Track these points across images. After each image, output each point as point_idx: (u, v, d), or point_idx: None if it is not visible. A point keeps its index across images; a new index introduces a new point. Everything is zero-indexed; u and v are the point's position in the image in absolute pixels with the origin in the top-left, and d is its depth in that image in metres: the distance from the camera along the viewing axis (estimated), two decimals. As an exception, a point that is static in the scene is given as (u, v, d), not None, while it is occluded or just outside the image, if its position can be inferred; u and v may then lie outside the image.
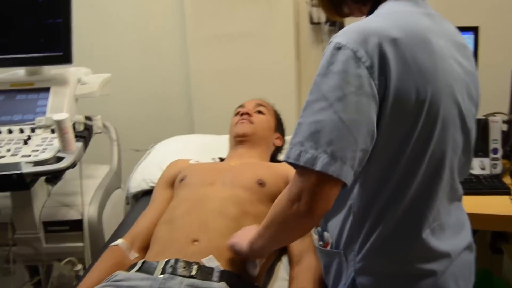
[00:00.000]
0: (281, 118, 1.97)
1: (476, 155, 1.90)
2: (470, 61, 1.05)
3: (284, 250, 1.44)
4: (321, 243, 1.12)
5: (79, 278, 1.85)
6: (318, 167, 0.83)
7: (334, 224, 1.05)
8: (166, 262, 1.21)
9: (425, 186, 0.94)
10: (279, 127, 1.93)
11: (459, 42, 1.04)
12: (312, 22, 2.33)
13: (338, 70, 0.86)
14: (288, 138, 2.03)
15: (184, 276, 1.17)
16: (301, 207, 0.88)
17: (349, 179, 0.85)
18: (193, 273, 1.18)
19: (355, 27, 0.90)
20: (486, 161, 1.90)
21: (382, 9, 0.99)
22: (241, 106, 1.91)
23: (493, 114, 1.93)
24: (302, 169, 0.87)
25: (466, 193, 1.74)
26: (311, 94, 0.89)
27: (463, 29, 1.92)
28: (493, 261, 2.15)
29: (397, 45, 0.88)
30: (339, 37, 0.89)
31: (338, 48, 0.87)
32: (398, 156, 0.91)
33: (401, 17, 0.96)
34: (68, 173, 2.11)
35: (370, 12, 1.02)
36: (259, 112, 1.85)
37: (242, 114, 1.82)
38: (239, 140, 1.78)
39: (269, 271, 1.40)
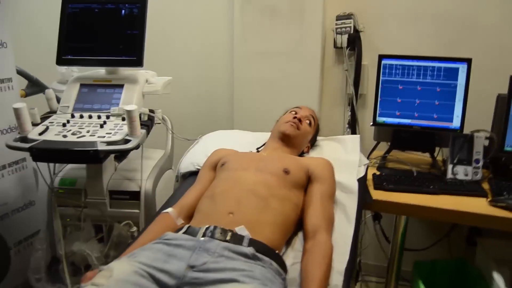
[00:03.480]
0: (318, 132, 1.95)
1: (461, 163, 1.89)
2: None
3: (300, 226, 1.44)
4: None
5: (134, 238, 1.89)
6: None
7: None
8: (207, 228, 1.22)
9: None
10: (313, 139, 1.91)
11: None
12: (335, 46, 2.32)
13: None
14: (320, 138, 2.02)
15: (220, 240, 1.18)
16: None
17: None
18: (228, 238, 1.19)
19: None
20: (469, 169, 1.89)
21: None
22: (298, 107, 1.89)
23: (477, 130, 1.93)
24: None
25: (450, 193, 1.77)
26: None
27: (459, 60, 1.93)
28: (468, 252, 2.13)
29: None
30: None
31: None
32: None
33: None
34: (131, 153, 2.14)
35: None
36: (308, 122, 1.83)
37: (295, 117, 1.78)
38: (282, 137, 1.75)
39: (287, 243, 1.41)
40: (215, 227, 1.22)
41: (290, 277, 1.26)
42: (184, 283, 1.08)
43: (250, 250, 1.17)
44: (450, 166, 1.91)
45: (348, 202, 1.56)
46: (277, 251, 1.27)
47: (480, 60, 1.98)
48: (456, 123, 1.96)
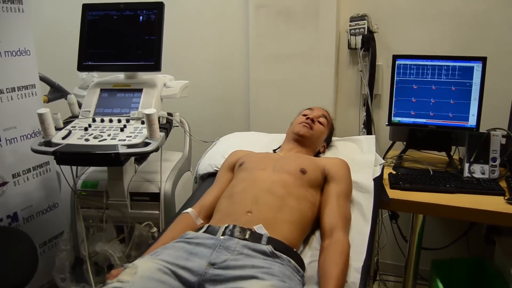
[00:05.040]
0: (333, 132, 1.96)
1: (478, 162, 1.89)
2: None
3: (317, 225, 1.46)
4: None
5: (154, 238, 1.93)
6: None
7: None
8: (226, 227, 1.25)
9: None
10: (329, 138, 1.92)
11: None
12: (350, 47, 2.33)
13: None
14: (336, 138, 2.03)
15: (239, 238, 1.21)
16: None
17: None
18: (247, 236, 1.22)
19: None
20: (486, 167, 1.89)
21: None
22: (310, 109, 1.90)
23: (494, 129, 1.92)
24: None
25: (468, 192, 1.76)
26: None
27: (474, 59, 1.92)
28: (487, 251, 2.12)
29: None
30: None
31: None
32: None
33: None
34: (151, 156, 2.19)
35: None
36: (320, 122, 1.84)
37: (308, 118, 1.80)
38: (296, 138, 1.77)
39: (305, 242, 1.43)
40: (234, 226, 1.25)
41: (308, 274, 1.28)
42: (205, 279, 1.11)
43: (268, 248, 1.19)
44: (466, 165, 1.91)
45: (364, 202, 1.58)
46: (295, 249, 1.29)
47: (495, 58, 1.98)
48: (472, 121, 1.96)
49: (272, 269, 1.13)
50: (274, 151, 1.91)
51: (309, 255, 1.38)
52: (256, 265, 1.13)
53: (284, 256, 1.21)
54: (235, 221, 1.29)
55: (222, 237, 1.22)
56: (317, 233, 1.45)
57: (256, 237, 1.23)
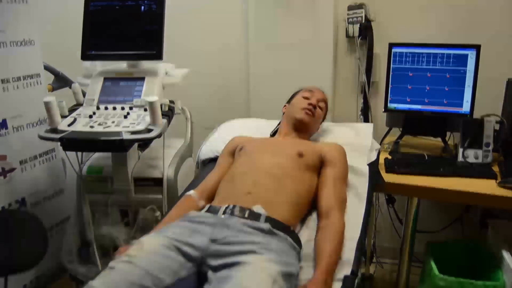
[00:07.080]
0: (327, 111, 1.98)
1: (472, 147, 1.95)
2: None
3: (314, 207, 1.53)
4: None
5: (158, 221, 1.99)
6: None
7: None
8: (227, 207, 1.32)
9: None
10: (323, 119, 1.97)
11: None
12: (347, 36, 2.38)
13: None
14: (324, 124, 2.08)
15: (239, 217, 1.28)
16: None
17: None
18: (246, 215, 1.29)
19: None
20: (479, 152, 1.94)
21: None
22: (310, 91, 1.89)
23: (488, 115, 1.97)
24: None
25: (462, 176, 1.83)
26: None
27: (468, 46, 1.97)
28: (481, 233, 2.18)
29: None
30: None
31: None
32: None
33: None
34: (153, 142, 2.22)
35: None
36: (320, 107, 1.86)
37: (310, 104, 1.80)
38: (298, 124, 1.79)
39: (302, 222, 1.50)
40: (234, 206, 1.32)
41: (304, 252, 1.35)
42: (207, 254, 1.19)
43: (266, 225, 1.26)
44: (460, 150, 1.96)
45: (359, 185, 1.65)
46: (292, 228, 1.36)
47: (490, 46, 2.03)
48: (466, 108, 2.01)
49: (270, 244, 1.20)
50: (272, 134, 1.97)
51: (306, 234, 1.45)
52: (255, 241, 1.21)
53: (281, 233, 1.28)
54: (236, 201, 1.35)
55: (223, 216, 1.29)
56: (314, 215, 1.52)
57: (254, 216, 1.30)
